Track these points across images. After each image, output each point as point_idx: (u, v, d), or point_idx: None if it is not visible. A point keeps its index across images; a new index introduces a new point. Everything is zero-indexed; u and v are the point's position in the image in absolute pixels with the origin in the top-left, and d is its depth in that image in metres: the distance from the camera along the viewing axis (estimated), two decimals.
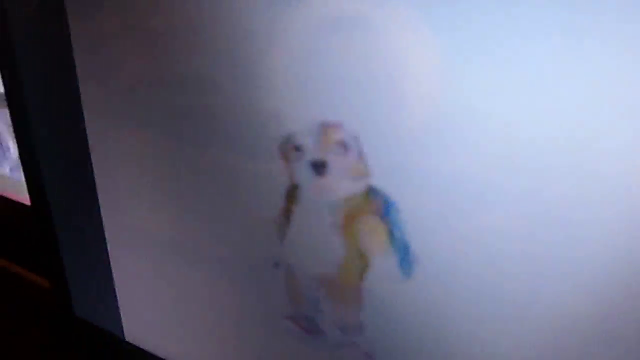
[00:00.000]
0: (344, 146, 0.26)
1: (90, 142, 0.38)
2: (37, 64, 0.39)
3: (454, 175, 0.24)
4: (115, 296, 0.42)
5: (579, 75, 0.20)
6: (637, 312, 0.22)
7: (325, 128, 0.26)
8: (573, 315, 0.23)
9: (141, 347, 0.42)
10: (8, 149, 0.65)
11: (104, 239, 0.41)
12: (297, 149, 0.27)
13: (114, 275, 0.42)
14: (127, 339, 0.43)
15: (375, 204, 0.26)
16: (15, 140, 0.44)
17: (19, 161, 0.45)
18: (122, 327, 0.43)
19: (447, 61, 0.22)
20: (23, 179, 0.44)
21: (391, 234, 0.26)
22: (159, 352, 0.41)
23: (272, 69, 0.26)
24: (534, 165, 0.22)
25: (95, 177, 0.39)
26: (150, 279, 0.39)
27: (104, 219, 0.40)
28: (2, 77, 0.41)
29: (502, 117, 0.22)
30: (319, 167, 0.26)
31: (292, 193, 0.28)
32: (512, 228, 0.23)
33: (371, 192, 0.26)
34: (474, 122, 0.22)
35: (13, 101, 0.41)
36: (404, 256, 0.26)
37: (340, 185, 0.26)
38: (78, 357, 0.51)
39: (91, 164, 0.39)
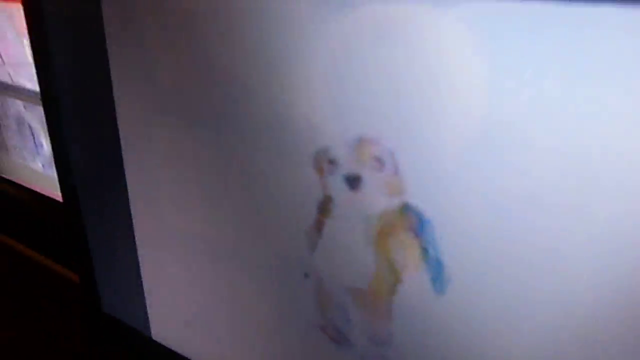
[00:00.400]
0: (379, 161, 0.25)
1: (123, 141, 0.38)
2: (71, 64, 0.39)
3: (490, 195, 0.23)
4: (143, 294, 0.43)
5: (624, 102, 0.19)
6: None
7: (361, 142, 0.26)
8: (611, 332, 0.23)
9: (167, 345, 0.43)
10: (41, 145, 0.66)
11: (134, 237, 0.42)
12: (332, 162, 0.27)
13: (143, 274, 0.42)
14: (153, 337, 0.44)
15: (410, 220, 0.25)
16: (48, 137, 0.45)
17: (51, 157, 0.45)
18: (149, 325, 0.44)
19: (490, 81, 0.22)
20: (55, 175, 0.45)
21: (425, 251, 0.26)
22: (184, 352, 0.42)
23: (311, 80, 0.26)
24: (572, 185, 0.21)
25: (127, 176, 0.40)
26: (179, 280, 0.39)
27: (133, 218, 0.41)
28: (37, 75, 0.42)
29: (543, 139, 0.22)
30: (353, 181, 0.26)
31: (325, 205, 0.28)
32: (548, 249, 0.23)
33: (406, 209, 0.25)
34: (514, 143, 0.22)
35: (47, 99, 0.42)
36: (437, 273, 0.26)
37: (375, 200, 0.26)
38: (104, 352, 0.52)
39: (123, 162, 0.39)
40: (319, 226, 0.29)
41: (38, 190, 0.65)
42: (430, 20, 0.22)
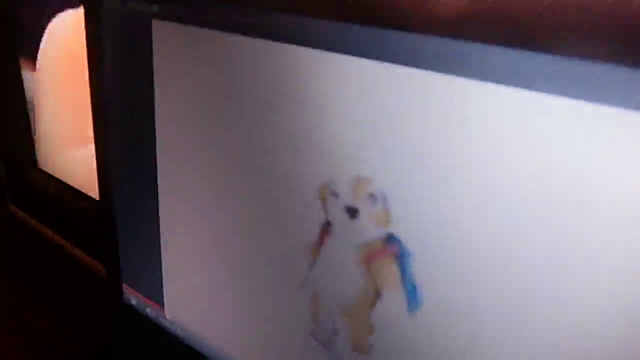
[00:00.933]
0: (372, 198, 0.31)
1: (158, 149, 0.44)
2: (119, 73, 0.45)
3: (461, 233, 0.29)
4: (162, 289, 0.48)
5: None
6: None
7: (359, 180, 0.31)
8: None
9: (180, 337, 0.48)
10: None
11: (159, 239, 0.47)
12: (334, 194, 0.32)
13: (163, 271, 0.48)
14: (167, 328, 0.49)
15: (393, 248, 0.31)
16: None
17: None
18: (164, 317, 0.49)
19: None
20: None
21: (403, 275, 0.31)
22: (194, 343, 0.47)
23: (321, 124, 0.32)
24: (543, 221, 0.26)
25: (159, 184, 0.45)
26: (194, 278, 0.45)
27: (160, 223, 0.46)
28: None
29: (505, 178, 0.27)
30: (351, 212, 0.32)
31: (325, 228, 0.33)
32: (511, 278, 0.28)
33: (390, 239, 0.31)
34: (479, 189, 0.27)
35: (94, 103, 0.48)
36: (412, 295, 0.31)
37: (367, 229, 0.32)
38: (122, 339, 0.57)
39: (156, 172, 0.45)
40: (318, 246, 0.34)
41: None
42: (434, 87, 0.28)
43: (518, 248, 0.27)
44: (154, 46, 0.40)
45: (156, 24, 0.39)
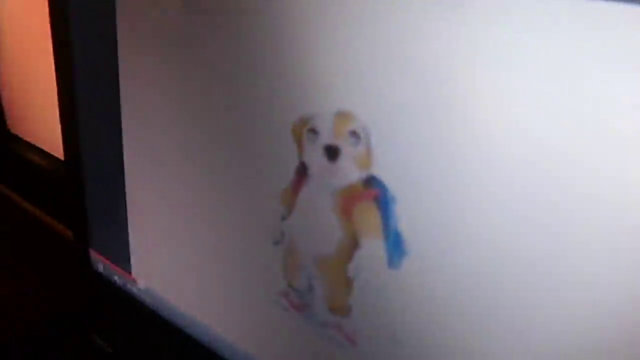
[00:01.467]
0: (355, 136, 0.28)
1: (122, 101, 0.40)
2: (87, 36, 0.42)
3: (453, 177, 0.25)
4: (129, 253, 0.45)
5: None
6: None
7: (340, 115, 0.28)
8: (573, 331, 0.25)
9: (149, 303, 0.45)
10: None
11: (125, 200, 0.44)
12: (313, 131, 0.29)
13: (130, 233, 0.44)
14: (136, 294, 0.46)
15: (374, 192, 0.27)
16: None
17: None
18: (133, 281, 0.46)
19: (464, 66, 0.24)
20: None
21: (385, 223, 0.28)
22: (163, 309, 0.44)
23: (298, 51, 0.28)
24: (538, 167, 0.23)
25: (124, 137, 0.42)
26: (161, 239, 0.41)
27: (126, 181, 0.43)
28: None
29: (501, 127, 0.24)
30: (332, 152, 0.29)
31: (300, 173, 0.30)
32: (506, 234, 0.25)
33: (372, 181, 0.27)
34: (474, 129, 0.24)
35: (59, 57, 0.45)
36: (395, 245, 0.28)
37: (347, 171, 0.28)
38: (92, 305, 0.54)
39: (120, 123, 0.41)
40: (292, 193, 0.31)
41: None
42: (424, 18, 0.24)
43: (516, 200, 0.24)
44: None
45: None
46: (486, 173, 0.24)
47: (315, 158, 0.29)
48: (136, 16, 0.36)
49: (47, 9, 0.44)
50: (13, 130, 0.75)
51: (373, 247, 0.28)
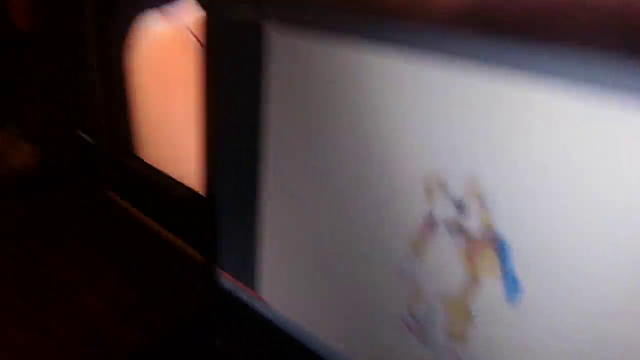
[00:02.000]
0: (480, 197, 0.34)
1: (264, 148, 0.47)
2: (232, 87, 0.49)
3: (563, 234, 0.31)
4: (255, 271, 0.52)
5: None
6: None
7: (471, 178, 0.34)
8: None
9: (275, 322, 0.52)
10: None
11: (256, 229, 0.51)
12: (443, 187, 0.35)
13: (259, 258, 0.51)
14: (260, 310, 0.53)
15: (494, 243, 0.34)
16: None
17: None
18: (260, 299, 0.53)
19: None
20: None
21: (503, 267, 0.34)
22: (288, 329, 0.51)
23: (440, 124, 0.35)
24: None
25: (261, 179, 0.49)
26: (290, 268, 0.48)
27: (260, 217, 0.50)
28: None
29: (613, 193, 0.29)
30: (460, 207, 0.35)
31: (429, 220, 0.36)
32: (613, 277, 0.30)
33: (493, 233, 0.34)
34: (582, 194, 0.30)
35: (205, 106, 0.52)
36: (512, 285, 0.34)
37: (472, 224, 0.35)
38: (218, 322, 0.62)
39: (260, 166, 0.48)
40: (421, 237, 0.37)
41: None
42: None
43: (616, 251, 0.29)
44: (264, 52, 0.44)
45: (268, 31, 0.43)
46: (586, 233, 0.30)
47: (444, 210, 0.36)
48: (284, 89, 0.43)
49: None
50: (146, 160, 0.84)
51: (492, 286, 0.34)
